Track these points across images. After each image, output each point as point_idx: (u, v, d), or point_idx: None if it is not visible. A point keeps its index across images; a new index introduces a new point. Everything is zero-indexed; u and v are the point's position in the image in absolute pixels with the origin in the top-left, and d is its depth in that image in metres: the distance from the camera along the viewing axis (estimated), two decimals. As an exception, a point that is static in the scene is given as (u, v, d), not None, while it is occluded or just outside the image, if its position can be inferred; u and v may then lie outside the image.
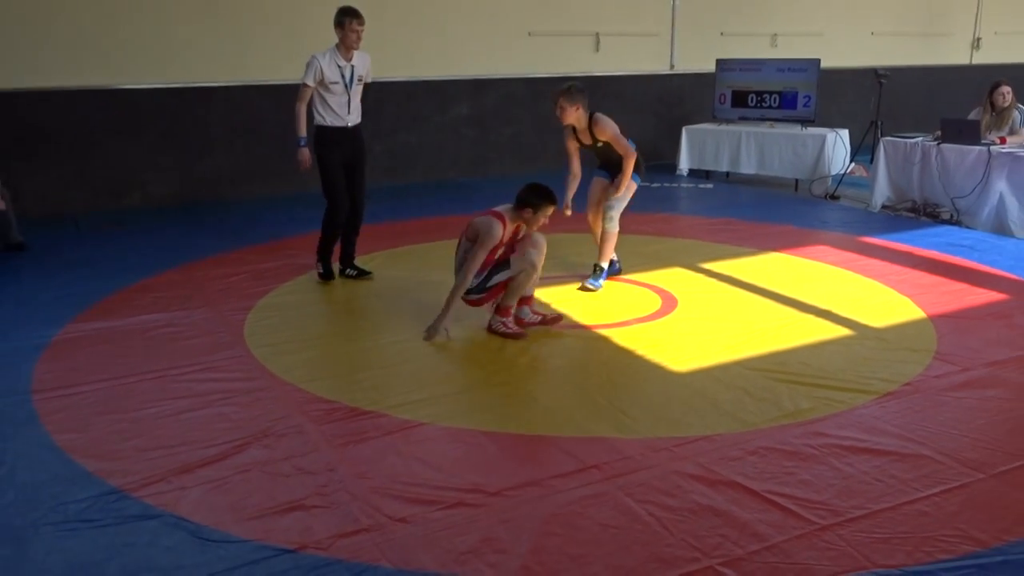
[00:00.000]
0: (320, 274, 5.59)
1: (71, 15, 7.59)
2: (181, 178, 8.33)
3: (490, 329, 4.62)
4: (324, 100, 5.31)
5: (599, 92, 10.10)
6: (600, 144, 5.35)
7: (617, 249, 5.53)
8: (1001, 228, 6.83)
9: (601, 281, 5.42)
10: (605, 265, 5.46)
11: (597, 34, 10.03)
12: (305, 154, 5.39)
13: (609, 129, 5.26)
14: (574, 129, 5.36)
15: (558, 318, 4.78)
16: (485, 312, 4.96)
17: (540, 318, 4.74)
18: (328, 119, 5.35)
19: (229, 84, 8.35)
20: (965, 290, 5.33)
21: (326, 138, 5.38)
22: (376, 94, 9.03)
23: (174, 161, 8.28)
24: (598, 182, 5.59)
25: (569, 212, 5.35)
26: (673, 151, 9.93)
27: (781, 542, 2.68)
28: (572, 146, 5.47)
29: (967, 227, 7.04)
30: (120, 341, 4.51)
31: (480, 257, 4.43)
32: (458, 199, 8.31)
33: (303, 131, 5.37)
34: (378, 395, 3.81)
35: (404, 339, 4.53)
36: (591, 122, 5.27)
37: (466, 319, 4.91)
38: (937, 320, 4.78)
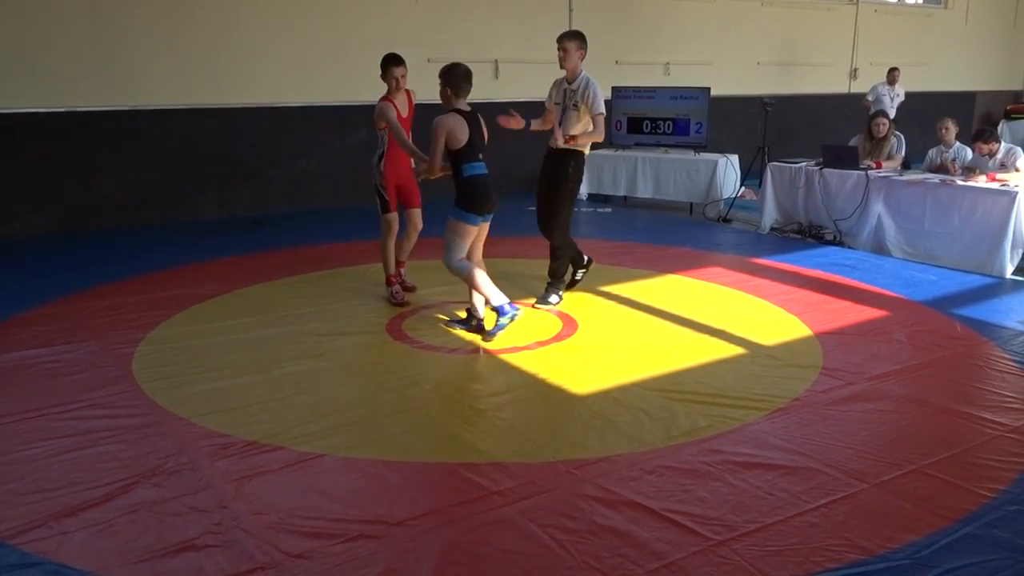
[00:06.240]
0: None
1: (-58, 35, 7.21)
2: (66, 206, 7.97)
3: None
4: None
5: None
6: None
7: (517, 274, 5.44)
8: (880, 248, 7.21)
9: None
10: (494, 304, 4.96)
11: (496, 61, 10.16)
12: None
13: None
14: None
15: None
16: (386, 339, 4.94)
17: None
18: None
19: (116, 108, 8.06)
20: (848, 308, 5.59)
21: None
22: (272, 120, 8.93)
23: (58, 188, 7.92)
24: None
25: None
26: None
27: (679, 559, 2.74)
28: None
29: (849, 247, 7.40)
30: (-4, 379, 4.27)
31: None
32: (357, 225, 8.22)
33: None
34: (275, 427, 3.71)
35: (302, 369, 4.44)
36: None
37: (366, 348, 4.86)
38: (823, 337, 4.99)
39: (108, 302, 5.57)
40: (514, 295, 5.71)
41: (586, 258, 5.95)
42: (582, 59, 5.42)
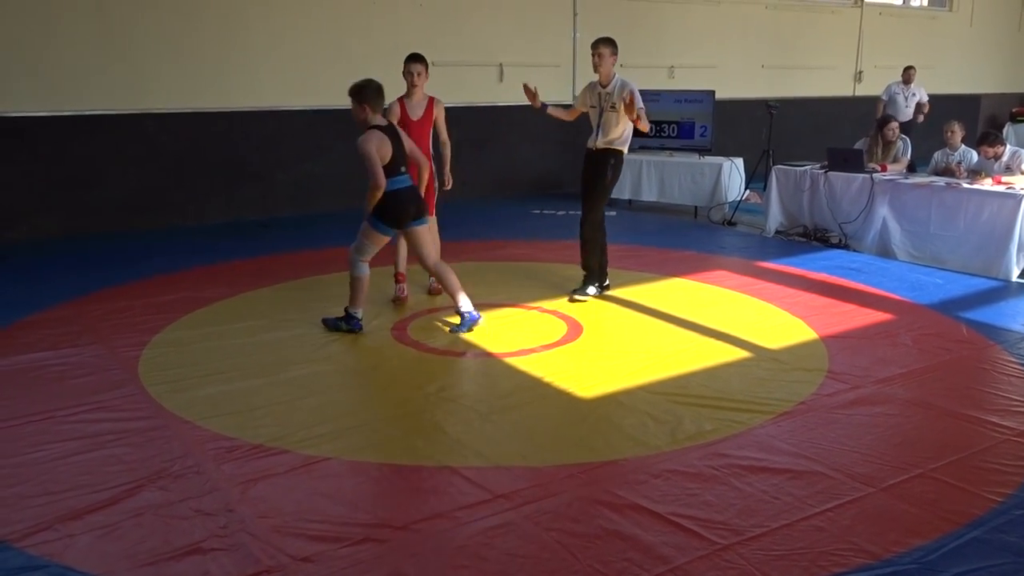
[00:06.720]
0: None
1: (-51, 40, 7.23)
2: (71, 210, 7.98)
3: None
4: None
5: (504, 121, 10.26)
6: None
7: (524, 276, 5.53)
8: (885, 251, 7.20)
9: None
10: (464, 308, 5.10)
11: (501, 65, 10.17)
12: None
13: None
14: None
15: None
16: (391, 342, 4.93)
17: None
18: None
19: (122, 112, 8.07)
20: (854, 311, 5.58)
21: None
22: (277, 123, 8.94)
23: (63, 192, 7.93)
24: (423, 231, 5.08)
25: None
26: (576, 180, 10.06)
27: (684, 563, 2.73)
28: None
29: (854, 250, 7.39)
30: (2, 382, 4.27)
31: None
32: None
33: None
34: (280, 430, 3.71)
35: (307, 373, 4.44)
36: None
37: (370, 352, 4.86)
38: (828, 340, 4.98)
39: (113, 305, 5.58)
40: (519, 296, 5.73)
41: (607, 281, 5.99)
42: (614, 64, 5.65)
